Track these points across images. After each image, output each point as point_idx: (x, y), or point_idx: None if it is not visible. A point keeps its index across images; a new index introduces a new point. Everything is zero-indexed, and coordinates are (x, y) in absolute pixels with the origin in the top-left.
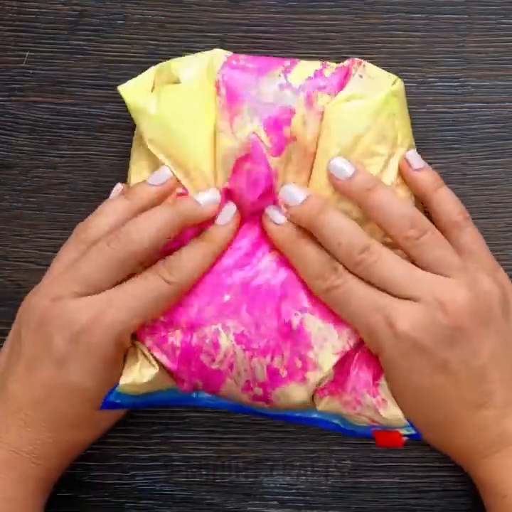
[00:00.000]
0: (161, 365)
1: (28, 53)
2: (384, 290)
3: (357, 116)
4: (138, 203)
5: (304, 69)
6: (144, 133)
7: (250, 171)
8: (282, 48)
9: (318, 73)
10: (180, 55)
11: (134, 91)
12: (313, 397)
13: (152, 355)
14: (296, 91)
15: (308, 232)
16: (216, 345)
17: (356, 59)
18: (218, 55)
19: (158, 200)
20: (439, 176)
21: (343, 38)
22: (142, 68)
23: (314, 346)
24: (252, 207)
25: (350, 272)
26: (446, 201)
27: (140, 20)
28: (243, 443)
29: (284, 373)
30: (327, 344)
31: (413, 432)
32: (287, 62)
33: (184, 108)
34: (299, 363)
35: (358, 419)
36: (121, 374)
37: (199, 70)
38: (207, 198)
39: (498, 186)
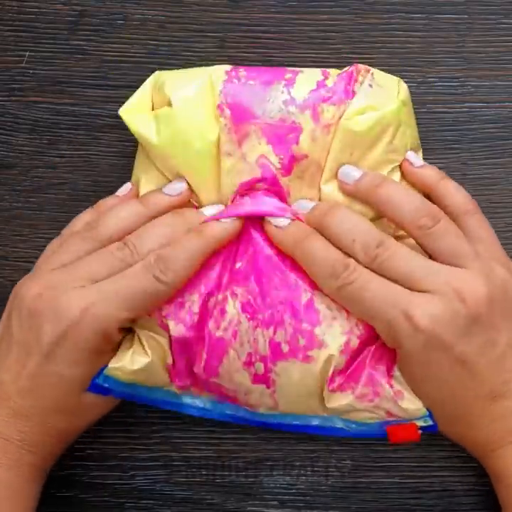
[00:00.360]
0: (157, 356)
1: (28, 53)
2: (400, 284)
3: (372, 129)
4: (153, 211)
5: (306, 81)
6: (150, 155)
7: (265, 191)
8: (282, 48)
9: (321, 84)
10: (181, 55)
11: (134, 112)
12: (322, 393)
13: (151, 340)
14: (301, 107)
15: (312, 230)
16: (223, 311)
17: (361, 66)
18: (217, 72)
19: (170, 210)
20: (441, 171)
21: (343, 38)
22: (142, 68)
23: (322, 323)
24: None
25: (364, 266)
26: (452, 192)
27: (140, 20)
28: (243, 443)
29: (285, 348)
30: (335, 323)
31: (430, 422)
32: (288, 74)
33: (181, 136)
34: (303, 341)
35: (371, 415)
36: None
37: (193, 91)
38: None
39: (498, 186)
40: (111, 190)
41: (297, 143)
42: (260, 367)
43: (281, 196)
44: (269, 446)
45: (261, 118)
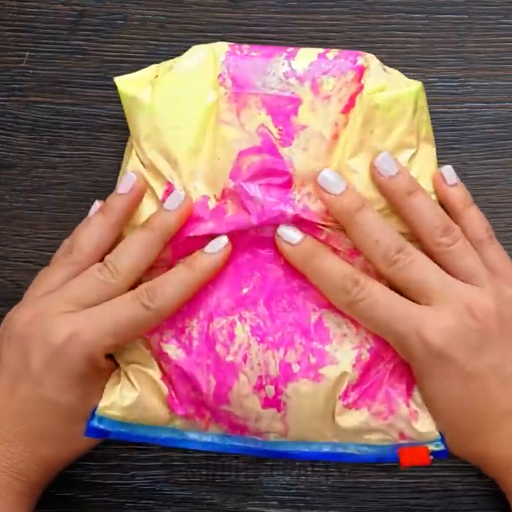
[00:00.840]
0: (148, 389)
1: (28, 53)
2: (412, 292)
3: (392, 107)
4: (113, 217)
5: (307, 54)
6: (139, 128)
7: (265, 161)
8: None
9: (322, 56)
10: (180, 55)
11: (130, 83)
12: (333, 413)
13: (143, 369)
14: (301, 78)
15: (322, 246)
16: (232, 335)
17: (361, 53)
18: (220, 46)
19: (129, 208)
20: (469, 194)
21: (343, 38)
22: (142, 68)
23: (333, 340)
24: (270, 206)
25: (378, 274)
26: (476, 221)
27: (140, 20)
28: None
29: (296, 368)
30: (346, 339)
31: (442, 447)
32: (290, 49)
33: (175, 93)
34: (313, 359)
35: (384, 437)
36: (101, 391)
37: (197, 58)
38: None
39: (498, 186)
40: (111, 190)
41: (296, 114)
42: (271, 390)
43: (282, 165)
44: None
45: (261, 89)
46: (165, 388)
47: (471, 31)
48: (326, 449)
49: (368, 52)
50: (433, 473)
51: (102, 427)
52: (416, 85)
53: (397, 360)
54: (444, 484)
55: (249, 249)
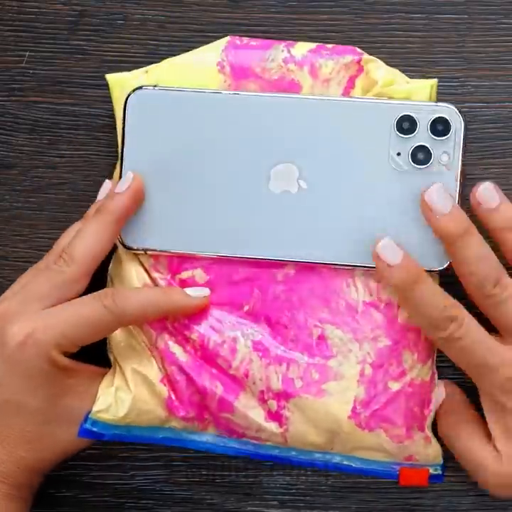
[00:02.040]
0: (144, 391)
1: (28, 53)
2: (506, 329)
3: (409, 97)
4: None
5: (306, 44)
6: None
7: None
8: None
9: (321, 46)
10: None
11: (122, 78)
12: (336, 430)
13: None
14: (300, 63)
15: (422, 273)
16: (233, 350)
17: (359, 50)
18: (221, 39)
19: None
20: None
21: (343, 38)
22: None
23: (337, 355)
24: None
25: (474, 304)
26: None
27: (140, 20)
28: None
29: (298, 384)
30: (351, 354)
31: (440, 471)
32: (289, 41)
33: (175, 79)
34: (316, 375)
35: (388, 456)
36: (77, 392)
37: (195, 54)
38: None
39: (498, 186)
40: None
41: None
42: (273, 404)
43: None
44: None
45: (260, 75)
46: (164, 390)
47: (471, 31)
48: (320, 458)
49: (367, 52)
50: None
51: (95, 429)
52: (432, 80)
53: (414, 381)
54: (444, 484)
55: (247, 268)
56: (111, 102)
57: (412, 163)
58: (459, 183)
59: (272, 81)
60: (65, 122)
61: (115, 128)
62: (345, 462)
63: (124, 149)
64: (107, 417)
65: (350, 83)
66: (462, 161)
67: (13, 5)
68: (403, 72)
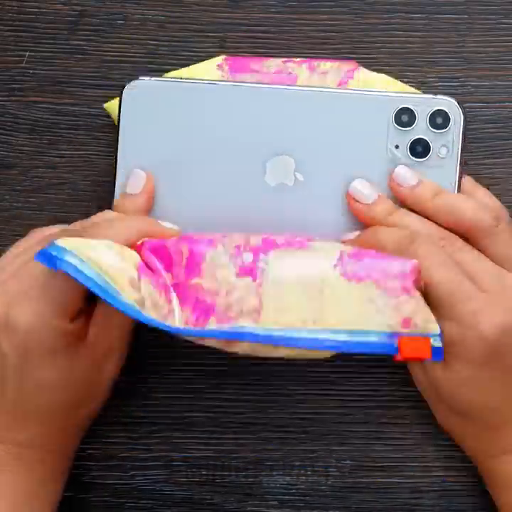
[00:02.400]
0: (120, 250)
1: (28, 53)
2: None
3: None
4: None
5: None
6: None
7: None
8: (282, 48)
9: (319, 59)
10: (181, 55)
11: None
12: (321, 285)
13: None
14: (299, 63)
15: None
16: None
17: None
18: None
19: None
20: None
21: (343, 38)
22: (142, 68)
23: (318, 240)
24: None
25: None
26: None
27: (140, 20)
28: (243, 443)
29: (280, 241)
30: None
31: (440, 344)
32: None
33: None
34: (299, 239)
35: (383, 319)
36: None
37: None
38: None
39: (498, 186)
40: (111, 190)
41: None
42: (248, 256)
43: None
44: (269, 446)
45: (259, 70)
46: (137, 257)
47: (471, 31)
48: (304, 335)
49: (367, 52)
50: (433, 473)
51: (54, 253)
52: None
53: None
54: (444, 484)
55: None
56: None
57: (411, 156)
58: (458, 176)
59: (269, 73)
60: (65, 122)
61: (115, 128)
62: (334, 337)
63: (120, 139)
64: (75, 244)
65: (349, 73)
66: (462, 154)
67: (13, 5)
68: (403, 72)
